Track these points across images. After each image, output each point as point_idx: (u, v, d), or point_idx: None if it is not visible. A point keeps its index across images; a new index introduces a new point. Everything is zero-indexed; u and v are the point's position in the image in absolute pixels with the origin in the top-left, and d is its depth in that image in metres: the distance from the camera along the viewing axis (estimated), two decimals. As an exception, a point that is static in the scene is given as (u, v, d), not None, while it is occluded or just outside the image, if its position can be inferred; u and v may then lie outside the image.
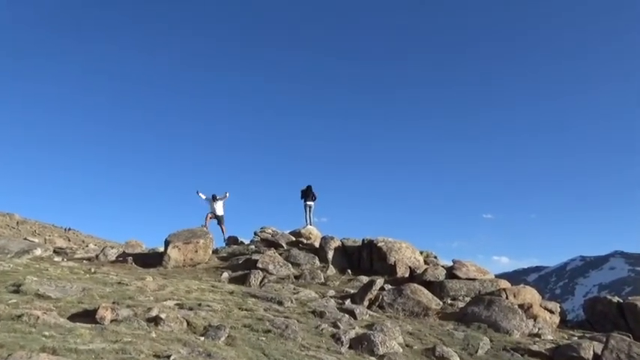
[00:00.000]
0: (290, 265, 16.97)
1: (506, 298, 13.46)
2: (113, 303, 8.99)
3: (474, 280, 15.56)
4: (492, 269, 17.37)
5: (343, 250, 19.23)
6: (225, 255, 19.44)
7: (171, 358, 6.29)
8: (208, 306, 9.93)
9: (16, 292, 9.42)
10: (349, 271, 17.64)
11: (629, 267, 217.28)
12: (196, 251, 17.71)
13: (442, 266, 17.23)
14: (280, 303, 11.33)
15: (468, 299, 14.25)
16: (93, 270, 14.08)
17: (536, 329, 12.30)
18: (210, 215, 21.84)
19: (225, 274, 15.83)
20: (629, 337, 11.35)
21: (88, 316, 8.01)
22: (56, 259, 17.14)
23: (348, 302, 12.53)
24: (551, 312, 14.05)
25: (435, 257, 19.82)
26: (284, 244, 20.37)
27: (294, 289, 13.98)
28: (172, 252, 17.33)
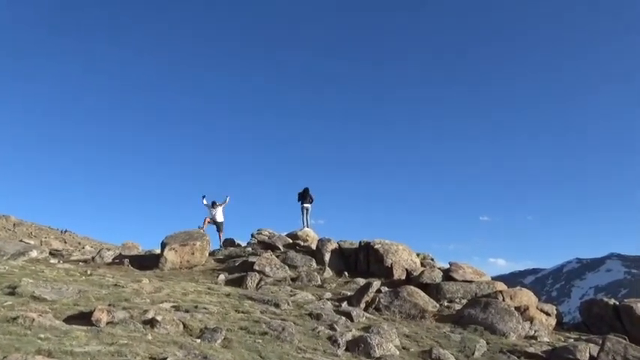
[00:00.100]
0: (287, 268, 16.95)
1: (503, 300, 13.48)
2: (109, 305, 8.96)
3: (470, 282, 15.58)
4: (489, 271, 17.42)
5: (340, 253, 19.22)
6: (221, 257, 19.41)
7: (168, 360, 6.27)
8: (205, 308, 9.91)
9: (12, 294, 9.39)
10: (346, 273, 17.64)
11: (625, 269, 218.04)
12: (193, 253, 17.68)
13: (439, 268, 17.24)
14: (277, 305, 11.32)
15: (464, 301, 14.27)
16: (89, 272, 14.04)
17: (533, 331, 12.32)
18: (208, 220, 21.77)
19: (222, 277, 15.81)
20: (625, 339, 11.37)
21: (84, 318, 7.98)
22: (52, 261, 17.10)
23: (344, 304, 12.53)
24: (548, 314, 14.08)
25: (432, 259, 19.84)
26: (281, 247, 20.35)
27: (291, 291, 13.97)
28: (169, 254, 17.29)
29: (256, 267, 16.21)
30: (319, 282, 15.94)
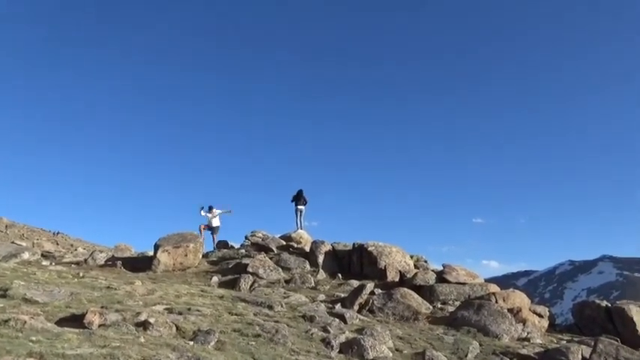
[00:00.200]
0: (280, 270, 16.94)
1: (496, 302, 13.53)
2: (101, 307, 8.92)
3: (463, 284, 15.62)
4: (482, 273, 17.44)
5: (334, 255, 19.23)
6: (215, 259, 19.37)
7: (160, 363, 6.24)
8: (198, 310, 9.89)
9: (3, 296, 9.33)
10: (339, 275, 17.65)
11: (617, 271, 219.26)
12: (186, 255, 17.63)
13: (432, 270, 17.28)
14: (270, 307, 11.31)
15: (457, 303, 14.30)
16: (81, 274, 13.98)
17: (526, 333, 12.36)
18: (203, 227, 21.61)
19: (215, 279, 15.78)
20: (617, 341, 11.44)
21: (76, 320, 7.95)
22: (44, 263, 17.00)
23: (338, 306, 12.53)
24: (540, 316, 14.15)
25: (425, 261, 19.89)
26: (274, 248, 20.34)
27: (285, 293, 13.97)
28: (162, 256, 17.23)
29: (250, 269, 16.19)
30: (313, 284, 15.94)
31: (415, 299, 13.65)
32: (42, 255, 18.85)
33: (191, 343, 7.74)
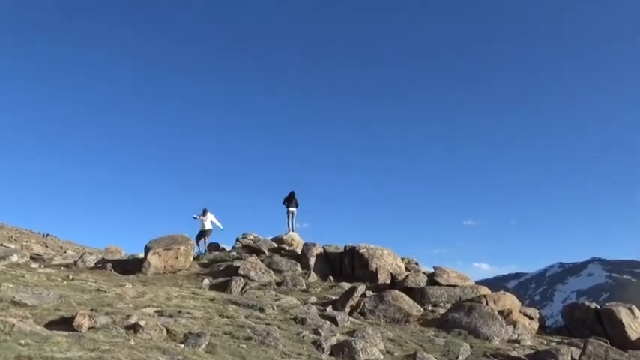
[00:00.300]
0: (272, 272, 16.91)
1: (487, 304, 13.58)
2: (91, 310, 8.86)
3: (454, 286, 15.68)
4: (473, 276, 17.53)
5: (325, 257, 19.23)
6: (206, 261, 19.30)
7: (150, 366, 6.21)
8: (188, 313, 9.85)
9: (-9, 299, 9.23)
10: (331, 277, 17.65)
11: (606, 273, 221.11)
12: (177, 257, 17.55)
13: (423, 273, 17.33)
14: (261, 310, 11.29)
15: (448, 305, 14.36)
16: (71, 276, 13.88)
17: (516, 335, 12.43)
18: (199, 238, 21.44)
19: (206, 281, 15.72)
20: (606, 342, 11.53)
21: (65, 323, 7.89)
22: (33, 265, 16.86)
23: (329, 309, 12.53)
24: (531, 318, 14.23)
25: (417, 264, 19.94)
26: (266, 251, 20.30)
27: (276, 295, 13.95)
28: (152, 258, 17.15)
29: (241, 271, 16.15)
30: (304, 286, 15.92)
31: (406, 301, 13.68)
32: (31, 257, 18.68)
33: (182, 345, 7.71)
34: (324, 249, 19.59)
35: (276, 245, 21.38)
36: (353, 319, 11.95)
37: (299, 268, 18.11)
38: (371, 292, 14.51)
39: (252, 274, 16.17)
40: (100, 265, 17.92)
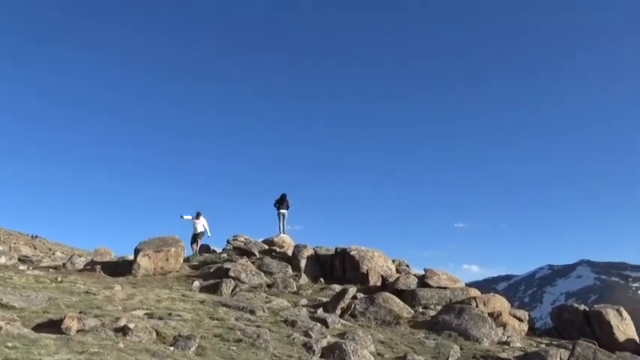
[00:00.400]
0: (262, 274, 16.87)
1: (477, 306, 13.64)
2: (80, 313, 8.79)
3: (445, 288, 15.73)
4: (463, 278, 17.63)
5: (316, 259, 19.22)
6: (196, 263, 19.22)
7: (140, 368, 6.17)
8: (178, 315, 9.79)
9: (-22, 301, 9.13)
10: (322, 279, 17.64)
11: (594, 275, 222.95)
12: (167, 260, 17.47)
13: (414, 275, 17.37)
14: (252, 312, 11.25)
15: (439, 307, 14.40)
16: (59, 279, 13.77)
17: (506, 337, 12.49)
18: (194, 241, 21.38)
19: (197, 283, 15.65)
20: (594, 344, 11.63)
21: (54, 326, 7.82)
22: (21, 267, 16.70)
23: (320, 311, 12.52)
24: (520, 320, 14.30)
25: (407, 266, 19.98)
26: (257, 253, 20.25)
27: (267, 297, 13.90)
28: (142, 260, 17.05)
29: (231, 273, 16.10)
30: (295, 288, 15.90)
31: (397, 304, 13.70)
32: (19, 259, 18.53)
33: (171, 348, 7.66)
34: (315, 251, 19.57)
35: (267, 247, 21.34)
36: (344, 322, 11.95)
37: (290, 271, 18.08)
38: (362, 295, 14.52)
39: (242, 276, 16.12)
40: (89, 267, 17.78)
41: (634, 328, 14.45)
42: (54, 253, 28.66)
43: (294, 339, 9.34)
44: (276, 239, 22.03)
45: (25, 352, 6.26)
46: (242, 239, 21.93)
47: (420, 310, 14.53)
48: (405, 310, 13.69)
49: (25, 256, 20.26)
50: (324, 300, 14.07)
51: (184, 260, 18.96)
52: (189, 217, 21.22)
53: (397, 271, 18.63)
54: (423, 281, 16.14)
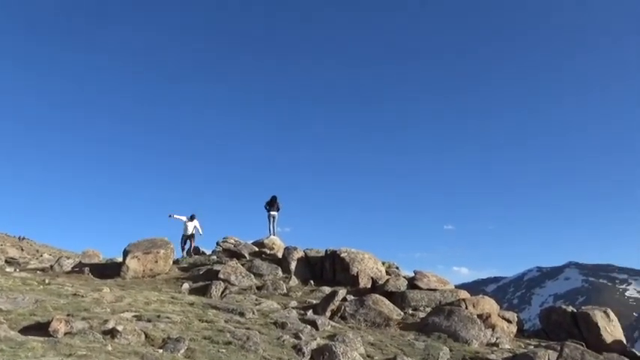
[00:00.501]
0: (252, 276, 16.82)
1: (466, 308, 13.69)
2: (67, 315, 8.72)
3: (434, 290, 15.77)
4: (452, 280, 17.72)
5: (306, 261, 19.20)
6: (186, 265, 19.13)
7: (128, 371, 6.13)
8: (167, 318, 9.75)
9: (-36, 304, 9.03)
10: (312, 281, 17.62)
11: (582, 277, 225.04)
12: (156, 261, 17.36)
13: (404, 277, 17.41)
14: (242, 314, 11.22)
15: (428, 309, 14.43)
16: (47, 281, 13.64)
17: (495, 338, 12.55)
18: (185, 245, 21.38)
19: (186, 285, 15.57)
20: (582, 345, 11.73)
21: (41, 329, 7.75)
22: (8, 269, 16.53)
23: (310, 313, 12.51)
24: (509, 321, 14.38)
25: (397, 268, 20.02)
26: (247, 255, 20.19)
27: (256, 300, 13.87)
28: (131, 262, 16.93)
29: (221, 275, 16.04)
30: (285, 290, 15.87)
31: (387, 305, 13.72)
32: (6, 261, 18.36)
33: (160, 351, 7.62)
34: (305, 253, 19.55)
35: (257, 249, 21.29)
36: (333, 324, 11.94)
37: (280, 273, 18.05)
38: (352, 297, 14.52)
39: (232, 278, 16.07)
40: (77, 269, 17.64)
41: (621, 330, 14.59)
42: (41, 255, 28.38)
43: (283, 341, 9.32)
44: (266, 241, 21.98)
45: (12, 354, 6.20)
46: (232, 241, 21.87)
47: (410, 311, 14.56)
48: (394, 312, 13.71)
49: (12, 258, 20.08)
50: (314, 302, 14.06)
51: (174, 262, 18.86)
52: (183, 218, 21.23)
53: (387, 273, 18.68)
54: (412, 283, 16.18)
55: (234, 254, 20.21)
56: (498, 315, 14.28)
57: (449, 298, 15.37)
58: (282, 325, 10.55)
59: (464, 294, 15.76)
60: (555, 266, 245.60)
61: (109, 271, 17.30)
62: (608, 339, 13.76)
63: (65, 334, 7.61)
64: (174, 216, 21.36)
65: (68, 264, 18.03)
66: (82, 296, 11.32)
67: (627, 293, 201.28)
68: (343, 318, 12.77)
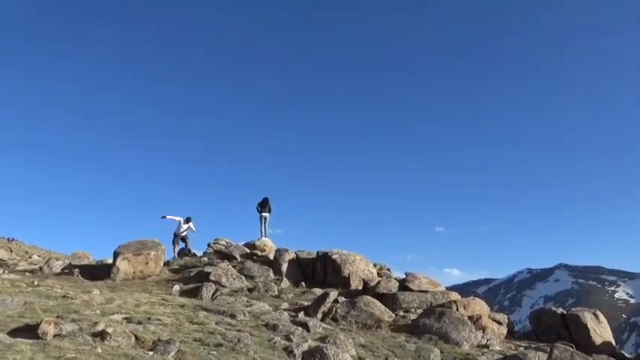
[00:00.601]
0: (243, 278, 16.79)
1: (457, 309, 13.74)
2: (57, 317, 8.65)
3: (425, 292, 15.81)
4: (444, 281, 17.74)
5: (298, 263, 19.19)
6: (176, 267, 19.05)
7: (118, 374, 6.10)
8: (158, 320, 9.69)
9: (-49, 306, 8.94)
10: (303, 283, 17.61)
11: (572, 279, 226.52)
12: (147, 263, 17.27)
13: (395, 279, 17.43)
14: (233, 316, 11.19)
15: (420, 311, 14.46)
16: (36, 283, 13.52)
17: (485, 340, 12.60)
18: (176, 246, 21.34)
19: (177, 287, 15.51)
20: (572, 347, 11.79)
21: (30, 331, 7.68)
22: (-4, 271, 16.38)
23: (301, 315, 12.50)
24: (500, 323, 14.43)
25: (389, 270, 20.06)
26: (238, 256, 20.16)
27: (248, 301, 13.84)
28: (121, 264, 16.84)
29: (212, 277, 15.99)
30: (276, 292, 15.85)
31: (378, 307, 13.74)
32: (-6, 263, 18.16)
33: (150, 353, 7.58)
34: (297, 255, 19.54)
35: (248, 251, 21.25)
36: (325, 325, 11.94)
37: (271, 274, 18.03)
38: (343, 298, 14.52)
39: (223, 280, 16.02)
40: (66, 270, 17.52)
41: (610, 331, 14.70)
42: (31, 257, 28.16)
43: (275, 343, 9.31)
44: (257, 243, 21.95)
45: (0, 357, 6.14)
46: (223, 243, 21.83)
47: (401, 313, 14.58)
48: (386, 314, 13.73)
49: (0, 260, 19.87)
50: (306, 304, 14.05)
51: (164, 264, 18.79)
52: (179, 219, 21.21)
53: (378, 274, 18.71)
54: (404, 285, 16.20)
55: (225, 256, 20.16)
56: (489, 317, 14.33)
57: (440, 299, 15.41)
58: (274, 327, 10.52)
59: (455, 296, 15.81)
60: (545, 268, 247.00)
61: (99, 272, 17.19)
62: (598, 340, 13.86)
63: (54, 336, 7.55)
64: (168, 217, 21.30)
65: (58, 265, 17.89)
66: (72, 298, 11.24)
67: (616, 295, 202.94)
68: (334, 320, 12.77)
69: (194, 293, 14.64)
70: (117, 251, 17.38)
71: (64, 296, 11.41)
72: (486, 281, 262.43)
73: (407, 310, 14.85)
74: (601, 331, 14.25)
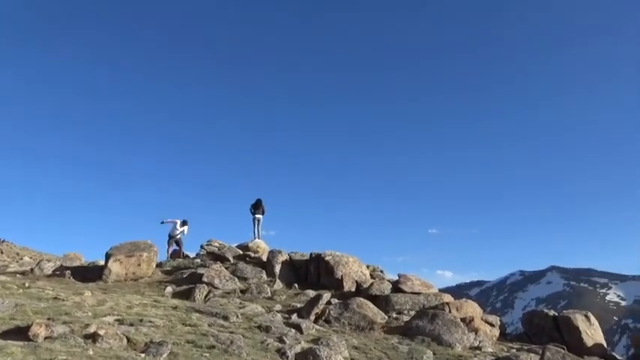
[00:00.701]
0: (236, 279, 16.76)
1: (450, 311, 13.78)
2: (48, 319, 8.59)
3: (418, 294, 15.85)
4: (436, 283, 17.79)
5: (291, 264, 19.18)
6: (169, 269, 18.98)
7: (110, 376, 6.06)
8: (150, 321, 9.65)
9: (-59, 307, 8.86)
10: (296, 285, 17.60)
11: (564, 281, 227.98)
12: (139, 265, 17.19)
13: (388, 280, 17.46)
14: (225, 318, 11.15)
15: (412, 313, 14.49)
16: (27, 284, 13.43)
17: (477, 342, 12.64)
18: (170, 247, 21.28)
19: (169, 289, 15.46)
20: (563, 349, 11.86)
21: (21, 333, 7.63)
22: (-13, 272, 16.26)
23: (294, 317, 12.49)
24: (492, 325, 14.50)
25: (382, 271, 20.08)
26: (231, 258, 20.11)
27: (240, 303, 13.81)
28: (113, 265, 16.75)
29: (205, 279, 15.94)
30: (269, 294, 15.82)
31: (371, 309, 13.75)
32: (-15, 264, 18.02)
33: (142, 355, 7.54)
34: (290, 256, 19.53)
35: (241, 252, 21.20)
36: (318, 327, 11.94)
37: (264, 276, 18.00)
38: (336, 300, 14.52)
39: (216, 281, 15.98)
40: (58, 272, 17.41)
41: (601, 333, 14.81)
42: (22, 258, 27.96)
43: (267, 345, 9.29)
44: (250, 244, 21.92)
45: (-10, 359, 6.10)
46: (216, 244, 21.77)
47: (394, 315, 14.61)
48: (379, 316, 13.75)
49: (-9, 261, 19.72)
50: (299, 305, 14.04)
51: (157, 265, 18.71)
52: (177, 221, 21.11)
53: (371, 276, 18.72)
54: (396, 287, 16.24)
55: (218, 257, 20.11)
56: (481, 319, 14.39)
57: (433, 301, 15.46)
58: (267, 329, 10.51)
59: (447, 297, 15.85)
60: (537, 270, 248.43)
61: (90, 274, 17.10)
62: (589, 342, 13.95)
63: (45, 338, 7.49)
64: (167, 220, 21.22)
65: (49, 267, 17.78)
66: (63, 300, 11.16)
67: (608, 297, 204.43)
68: (327, 321, 12.77)
69: (187, 295, 14.59)
70: (109, 253, 17.29)
71: (56, 298, 11.33)
72: (479, 283, 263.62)
73: (400, 312, 14.88)
74: (592, 333, 14.34)
